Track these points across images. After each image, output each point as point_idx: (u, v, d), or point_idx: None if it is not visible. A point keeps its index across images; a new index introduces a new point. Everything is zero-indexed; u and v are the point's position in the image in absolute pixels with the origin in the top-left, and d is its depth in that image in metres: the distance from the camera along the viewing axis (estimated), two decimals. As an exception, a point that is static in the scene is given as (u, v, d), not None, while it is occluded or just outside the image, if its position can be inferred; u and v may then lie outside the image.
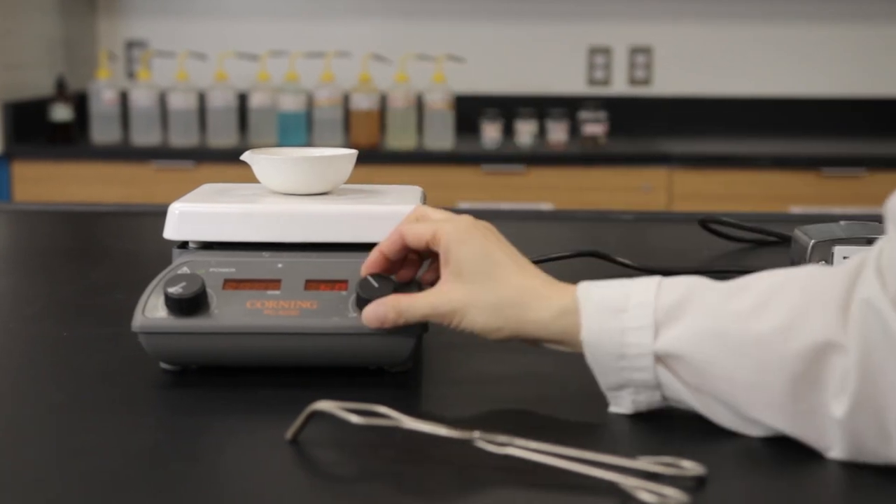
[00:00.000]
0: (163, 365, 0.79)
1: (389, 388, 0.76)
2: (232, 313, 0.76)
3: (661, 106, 3.65)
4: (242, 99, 3.44)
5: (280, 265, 0.79)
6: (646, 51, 3.63)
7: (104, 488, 0.59)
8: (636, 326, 0.68)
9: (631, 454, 0.61)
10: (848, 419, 0.61)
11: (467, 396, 0.75)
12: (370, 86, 3.31)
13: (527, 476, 0.60)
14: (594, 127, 3.29)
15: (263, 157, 0.85)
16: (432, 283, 0.76)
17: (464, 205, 3.08)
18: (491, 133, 3.29)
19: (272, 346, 0.76)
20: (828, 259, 0.98)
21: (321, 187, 0.86)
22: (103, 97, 3.34)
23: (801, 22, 3.60)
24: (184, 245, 0.83)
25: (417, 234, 0.74)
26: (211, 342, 0.75)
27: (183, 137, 3.30)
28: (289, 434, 0.65)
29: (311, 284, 0.78)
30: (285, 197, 0.86)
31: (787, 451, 0.64)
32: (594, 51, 3.64)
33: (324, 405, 0.65)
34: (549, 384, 0.77)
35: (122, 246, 1.34)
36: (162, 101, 3.37)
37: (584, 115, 3.31)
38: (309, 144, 3.25)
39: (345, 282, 0.78)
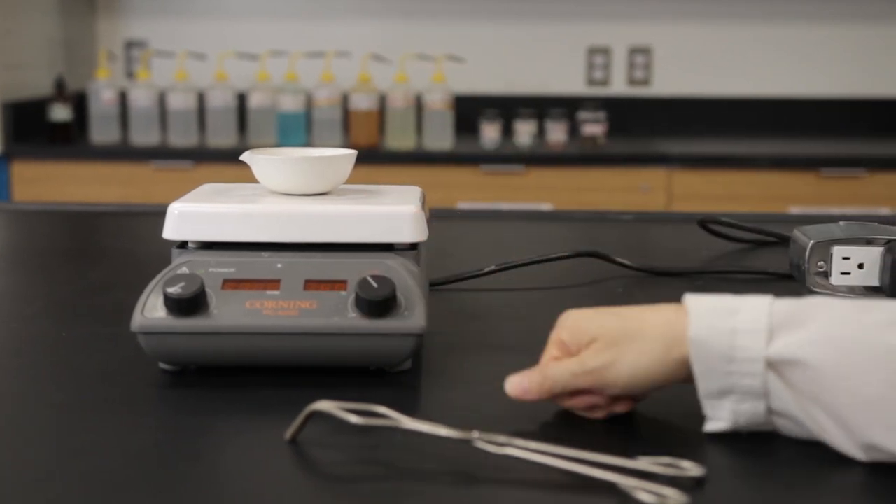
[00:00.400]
0: (162, 365, 0.79)
1: (389, 389, 0.76)
2: (231, 313, 0.76)
3: (661, 106, 3.65)
4: (242, 99, 3.44)
5: (279, 265, 0.79)
6: (645, 51, 3.63)
7: (103, 488, 0.59)
8: (749, 329, 0.64)
9: (630, 454, 0.61)
10: None
11: (466, 397, 0.75)
12: (370, 86, 3.31)
13: (526, 476, 0.60)
14: (593, 127, 3.29)
15: (262, 157, 0.85)
16: None
17: (463, 205, 3.08)
18: (490, 133, 3.29)
19: (271, 347, 0.76)
20: (827, 260, 0.98)
21: (320, 187, 0.86)
22: (102, 97, 3.34)
23: (800, 22, 3.60)
24: (183, 245, 0.83)
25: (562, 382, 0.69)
26: (210, 342, 0.75)
27: (182, 137, 3.30)
28: (288, 434, 0.65)
29: (310, 284, 0.78)
30: (284, 197, 0.86)
31: (785, 451, 0.64)
32: (593, 51, 3.64)
33: (323, 405, 0.65)
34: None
35: (122, 246, 1.34)
36: (161, 101, 3.37)
37: (583, 115, 3.31)
38: (308, 144, 3.25)
39: (344, 282, 0.78)
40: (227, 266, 0.79)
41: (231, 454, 0.64)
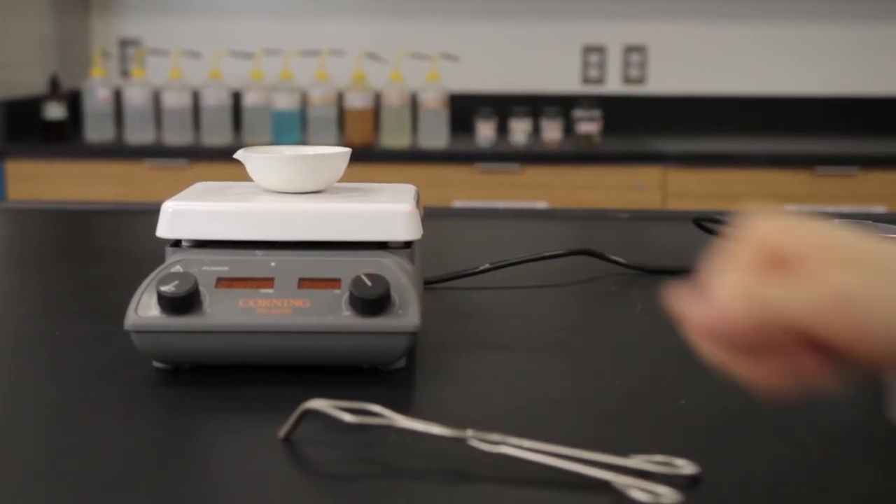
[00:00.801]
0: (156, 363, 0.79)
1: (383, 387, 0.76)
2: (225, 312, 0.76)
3: (656, 105, 3.65)
4: (236, 97, 3.44)
5: (273, 263, 0.79)
6: (640, 49, 3.64)
7: (96, 487, 0.59)
8: None
9: (624, 453, 0.61)
10: None
11: (461, 395, 0.75)
12: (364, 84, 3.31)
13: (520, 475, 0.60)
14: (588, 125, 3.29)
15: (256, 155, 0.85)
16: None
17: (458, 203, 3.08)
18: (485, 131, 3.29)
19: (265, 345, 0.76)
20: (821, 257, 0.98)
21: (314, 185, 0.86)
22: (97, 95, 3.33)
23: (795, 21, 3.60)
24: (177, 243, 0.83)
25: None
26: (204, 341, 0.75)
27: (177, 136, 3.30)
28: (282, 433, 0.65)
29: (304, 283, 0.78)
30: (278, 195, 0.86)
31: (780, 449, 0.64)
32: (588, 49, 3.64)
33: (317, 404, 0.65)
34: (542, 383, 0.77)
35: (116, 244, 1.34)
36: (156, 99, 3.37)
37: (578, 113, 3.31)
38: (303, 143, 3.25)
39: (338, 280, 0.77)
40: (220, 264, 0.79)
41: (225, 452, 0.64)
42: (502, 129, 3.42)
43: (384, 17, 3.63)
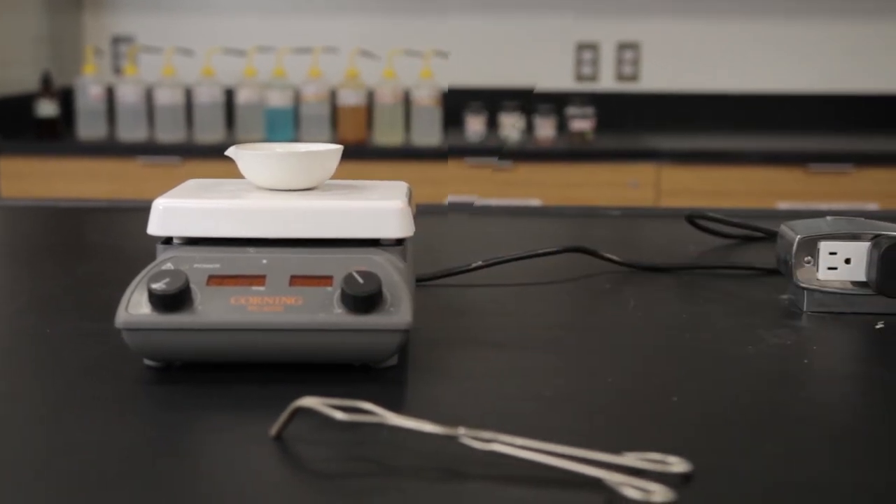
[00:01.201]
0: (147, 361, 0.78)
1: (375, 385, 0.76)
2: (216, 309, 0.75)
3: (649, 102, 3.65)
4: (229, 94, 3.44)
5: (265, 261, 0.79)
6: (633, 47, 3.64)
7: (87, 485, 0.59)
8: None
9: (616, 450, 0.61)
10: None
11: (453, 392, 0.75)
12: (357, 81, 3.31)
13: (511, 472, 0.60)
14: (581, 123, 3.29)
15: (248, 152, 0.85)
16: None
17: (452, 200, 3.08)
18: (475, 126, 3.29)
19: (257, 343, 0.75)
20: (814, 255, 0.98)
21: (306, 183, 0.86)
22: (89, 93, 3.33)
23: (788, 18, 3.61)
24: (168, 241, 0.83)
25: None
26: (195, 338, 0.75)
27: (169, 133, 3.30)
28: (273, 430, 0.65)
29: (296, 280, 0.77)
30: (270, 192, 0.85)
31: (773, 447, 0.64)
32: (582, 46, 3.64)
33: (308, 401, 0.65)
34: (535, 380, 0.77)
35: (108, 242, 1.33)
36: (148, 96, 3.36)
37: (571, 110, 3.31)
38: (296, 140, 3.25)
39: (330, 278, 0.77)
40: (212, 262, 0.79)
41: (216, 450, 0.64)
42: (492, 124, 3.42)
43: (377, 15, 3.63)
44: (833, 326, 0.93)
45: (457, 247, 1.29)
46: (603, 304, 1.01)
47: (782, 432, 0.67)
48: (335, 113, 3.35)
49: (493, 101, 3.49)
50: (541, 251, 1.12)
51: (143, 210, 0.91)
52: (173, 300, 0.75)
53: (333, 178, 0.90)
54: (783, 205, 3.08)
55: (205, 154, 3.19)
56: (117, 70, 3.65)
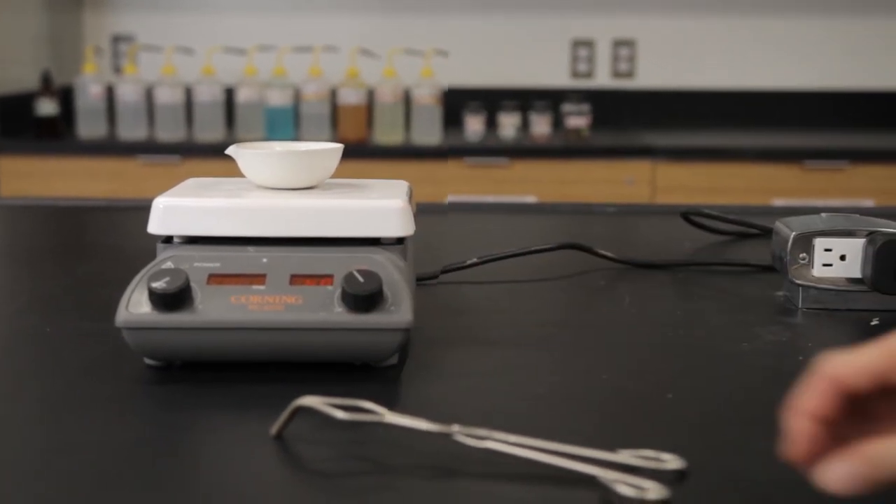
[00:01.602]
0: (147, 360, 0.79)
1: (374, 384, 0.76)
2: (216, 308, 0.76)
3: (645, 99, 3.66)
4: (229, 93, 3.44)
5: (265, 260, 0.79)
6: (629, 44, 3.64)
7: (87, 484, 0.59)
8: None
9: (611, 447, 0.61)
10: None
11: (450, 391, 0.76)
12: (358, 80, 3.31)
13: (506, 470, 0.61)
14: (577, 120, 3.29)
15: (248, 151, 0.85)
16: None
17: (453, 199, 3.08)
18: (474, 125, 3.29)
19: (257, 342, 0.76)
20: (809, 251, 0.99)
21: (306, 181, 0.86)
22: (89, 91, 3.33)
23: (784, 15, 3.61)
24: (168, 240, 0.83)
25: (860, 367, 0.50)
26: (195, 337, 0.76)
27: (170, 132, 3.30)
28: (274, 429, 0.66)
29: (296, 279, 0.78)
30: (270, 191, 0.86)
31: (767, 445, 0.65)
32: (577, 44, 3.64)
33: (309, 401, 0.65)
34: (530, 377, 0.78)
35: (108, 241, 1.34)
36: (148, 95, 3.36)
37: (567, 107, 3.31)
38: (296, 139, 3.25)
39: (330, 276, 0.78)
40: (212, 261, 0.79)
41: (216, 450, 0.64)
42: (491, 124, 3.42)
43: (378, 14, 3.63)
44: (828, 323, 0.94)
45: (455, 245, 1.29)
46: (598, 301, 1.02)
47: (776, 429, 0.67)
48: (335, 112, 3.35)
49: (489, 99, 3.49)
50: (536, 248, 1.12)
51: (143, 209, 0.92)
52: (173, 299, 0.75)
53: (334, 177, 0.90)
54: (779, 201, 3.09)
55: (205, 153, 3.19)
56: (117, 69, 3.65)
